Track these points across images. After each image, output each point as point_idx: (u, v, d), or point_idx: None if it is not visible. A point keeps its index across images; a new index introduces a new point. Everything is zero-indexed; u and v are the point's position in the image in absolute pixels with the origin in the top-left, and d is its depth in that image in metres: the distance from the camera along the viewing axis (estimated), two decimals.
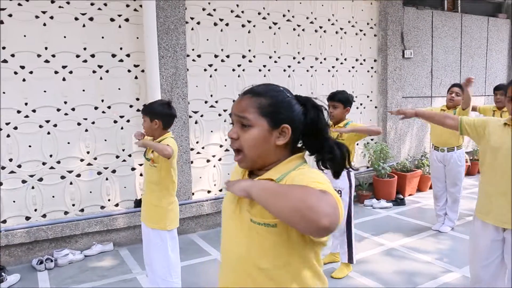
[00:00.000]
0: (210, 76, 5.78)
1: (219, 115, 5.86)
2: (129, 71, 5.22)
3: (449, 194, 5.71)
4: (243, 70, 6.02)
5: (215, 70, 5.80)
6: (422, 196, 7.31)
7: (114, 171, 5.26)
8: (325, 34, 6.67)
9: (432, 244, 5.24)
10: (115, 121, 5.21)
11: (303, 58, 6.51)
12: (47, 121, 4.85)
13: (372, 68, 7.27)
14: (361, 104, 7.21)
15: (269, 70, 6.23)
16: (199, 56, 5.68)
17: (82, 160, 5.07)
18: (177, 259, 3.63)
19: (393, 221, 6.05)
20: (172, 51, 5.34)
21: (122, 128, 5.24)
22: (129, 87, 5.24)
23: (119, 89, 5.18)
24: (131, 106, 5.27)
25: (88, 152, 5.09)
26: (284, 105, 1.51)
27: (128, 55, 5.21)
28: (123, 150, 5.28)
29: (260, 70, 6.16)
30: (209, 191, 5.91)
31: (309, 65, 6.58)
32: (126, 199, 5.37)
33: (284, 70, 6.38)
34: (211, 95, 5.79)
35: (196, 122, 5.72)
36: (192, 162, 5.67)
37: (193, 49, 5.60)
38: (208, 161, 5.87)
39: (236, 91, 5.99)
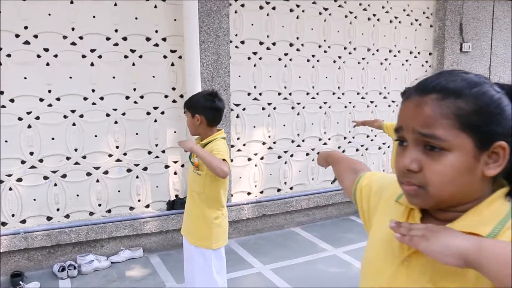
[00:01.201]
0: (254, 66, 4.96)
1: (263, 108, 5.04)
2: (165, 57, 4.44)
3: None
4: (290, 59, 5.18)
5: (260, 58, 4.97)
6: None
7: (145, 169, 4.50)
8: (379, 23, 5.77)
9: None
10: (148, 113, 4.44)
11: (354, 49, 5.63)
12: (73, 111, 4.11)
13: (426, 62, 6.34)
14: None
15: (318, 60, 5.37)
16: (242, 42, 4.86)
17: (110, 155, 4.32)
18: (224, 282, 2.84)
19: None
20: (214, 35, 4.54)
21: (155, 120, 4.47)
22: (164, 75, 4.46)
23: (153, 77, 4.40)
24: (166, 97, 4.50)
25: (117, 147, 4.34)
26: (495, 109, 0.86)
27: (164, 39, 4.42)
28: (156, 145, 4.51)
29: (308, 61, 5.31)
30: (249, 193, 5.10)
31: (360, 56, 5.70)
32: (158, 200, 4.61)
33: (334, 61, 5.51)
34: (255, 87, 4.98)
35: (237, 116, 4.91)
36: (231, 160, 4.87)
37: (236, 35, 4.79)
38: (249, 159, 5.06)
39: (282, 83, 5.17)
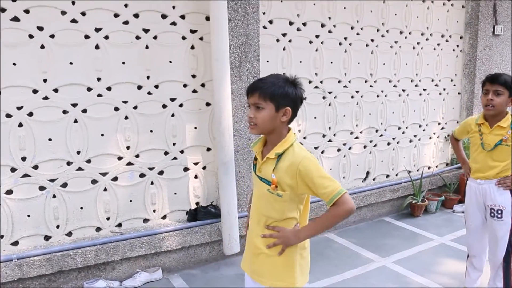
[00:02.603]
0: (284, 49, 4.10)
1: None
2: (183, 38, 3.54)
3: None
4: (322, 42, 4.33)
5: (289, 41, 4.12)
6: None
7: (161, 173, 3.61)
8: (411, 3, 4.96)
9: None
10: (164, 106, 3.55)
11: (387, 31, 4.81)
12: (74, 105, 3.19)
13: (458, 46, 5.57)
14: (444, 90, 5.53)
15: (350, 44, 4.54)
16: (270, 22, 3.99)
17: (120, 158, 3.42)
18: None
19: None
20: (242, 13, 3.65)
21: (173, 115, 3.58)
22: (183, 60, 3.56)
23: (170, 62, 3.51)
24: (185, 86, 3.60)
25: (128, 148, 3.44)
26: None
27: (182, 17, 3.52)
28: (174, 144, 3.63)
29: (340, 44, 4.48)
30: None
31: (393, 40, 4.89)
32: (177, 209, 3.73)
33: (367, 45, 4.69)
34: (284, 73, 4.11)
35: None
36: None
37: (264, 13, 3.91)
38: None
39: (313, 69, 4.32)
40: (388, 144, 5.11)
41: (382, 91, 4.91)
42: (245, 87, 3.72)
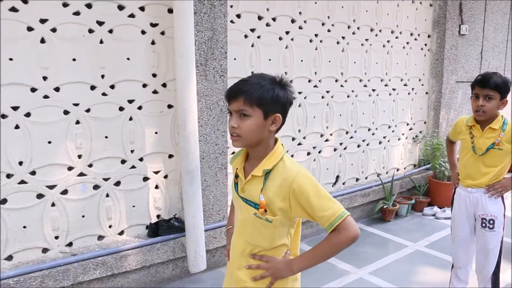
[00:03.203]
0: (252, 46, 3.81)
1: None
2: (143, 32, 3.18)
3: None
4: (292, 39, 4.08)
5: (258, 37, 3.84)
6: None
7: (118, 183, 3.24)
8: (382, 1, 4.82)
9: None
10: (121, 108, 3.18)
11: (358, 28, 4.63)
12: (14, 108, 2.76)
13: (426, 45, 5.50)
14: (412, 89, 5.44)
15: (321, 41, 4.32)
16: (238, 16, 3.69)
17: (70, 168, 3.02)
18: None
19: None
20: (208, 5, 3.33)
21: (131, 118, 3.22)
22: (143, 57, 3.20)
23: (128, 59, 3.13)
24: (145, 86, 3.24)
25: (79, 156, 3.04)
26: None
27: (142, 8, 3.16)
28: (132, 151, 3.26)
29: (311, 41, 4.25)
30: None
31: (364, 37, 4.72)
32: (136, 223, 3.38)
33: (338, 43, 4.49)
34: (252, 72, 3.84)
35: None
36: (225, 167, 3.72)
37: (231, 6, 3.61)
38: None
39: (283, 68, 4.06)
40: (358, 146, 4.95)
41: (352, 91, 4.74)
42: (211, 87, 3.42)
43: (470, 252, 2.87)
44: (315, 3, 4.18)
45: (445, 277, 3.52)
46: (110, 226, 3.25)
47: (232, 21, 3.61)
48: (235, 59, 3.70)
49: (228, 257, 1.84)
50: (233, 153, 3.80)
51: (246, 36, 3.75)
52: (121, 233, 3.31)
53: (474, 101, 2.65)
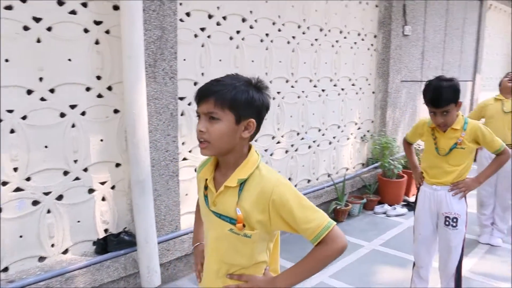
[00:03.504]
0: (202, 46, 3.64)
1: None
2: (86, 30, 2.91)
3: (499, 201, 4.29)
4: (243, 39, 3.95)
5: (209, 36, 3.67)
6: None
7: (60, 198, 2.95)
8: (331, 0, 4.81)
9: (506, 267, 3.76)
10: (63, 114, 2.89)
11: (308, 28, 4.59)
12: None
13: (372, 45, 5.57)
14: (360, 89, 5.50)
15: (271, 41, 4.23)
16: (188, 14, 3.50)
17: (5, 183, 2.69)
18: None
19: None
20: (157, 2, 3.11)
21: (73, 125, 2.94)
22: (86, 58, 2.92)
23: (69, 60, 2.86)
24: (88, 89, 2.97)
25: (15, 169, 2.73)
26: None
27: (84, 4, 2.89)
28: (75, 161, 2.98)
29: (262, 41, 4.14)
30: None
31: (313, 37, 4.68)
32: (82, 240, 3.10)
33: (288, 42, 4.41)
34: (202, 74, 3.66)
35: (182, 114, 3.57)
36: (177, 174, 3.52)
37: (181, 4, 3.41)
38: (196, 170, 3.76)
39: (235, 69, 3.92)
40: (309, 147, 4.92)
41: (303, 92, 4.69)
42: (160, 90, 3.22)
43: (431, 251, 2.89)
44: (266, 2, 4.08)
45: (404, 276, 3.56)
46: (52, 245, 2.95)
47: (181, 20, 3.42)
48: (184, 59, 3.50)
49: (199, 278, 1.68)
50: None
51: (196, 36, 3.57)
52: (66, 252, 3.03)
53: (433, 117, 2.66)
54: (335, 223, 1.41)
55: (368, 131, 5.75)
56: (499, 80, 4.36)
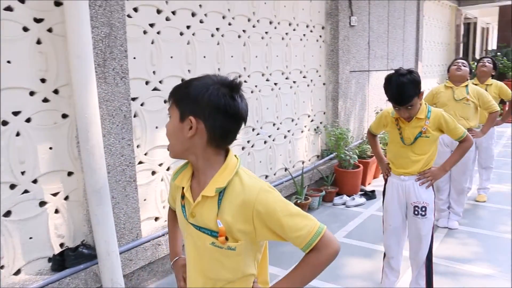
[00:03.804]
0: (152, 43, 3.48)
1: (165, 101, 3.61)
2: (25, 29, 2.66)
3: (454, 185, 4.44)
4: (193, 34, 3.82)
5: (158, 33, 3.51)
6: (381, 182, 5.95)
7: (8, 214, 2.70)
8: None
9: (466, 249, 3.91)
10: (5, 123, 2.64)
11: (258, 21, 4.53)
12: None
13: (320, 36, 5.61)
14: (311, 81, 5.52)
15: (222, 35, 4.13)
16: (136, 10, 3.33)
17: None
18: None
19: None
20: None
21: (18, 134, 2.70)
22: (27, 59, 2.68)
23: (8, 62, 2.61)
24: (32, 94, 2.74)
25: None
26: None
27: (21, 0, 2.66)
28: (23, 173, 2.75)
29: (212, 36, 4.03)
30: (156, 218, 3.66)
31: (264, 30, 4.63)
32: (36, 257, 2.86)
33: (239, 36, 4.33)
34: (154, 72, 3.51)
35: (135, 115, 3.40)
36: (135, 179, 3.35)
37: None
38: (153, 173, 3.60)
39: (186, 65, 3.79)
40: (265, 142, 4.87)
41: (256, 86, 4.64)
42: (112, 91, 3.05)
43: (401, 241, 2.93)
44: None
45: (372, 266, 3.60)
46: (2, 267, 2.71)
47: (129, 16, 3.24)
48: (135, 58, 3.33)
49: None
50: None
51: (145, 32, 3.40)
52: (18, 272, 2.78)
53: (398, 111, 2.68)
54: (325, 226, 1.35)
55: (321, 122, 5.79)
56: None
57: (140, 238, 3.35)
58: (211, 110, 1.28)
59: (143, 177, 3.50)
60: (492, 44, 18.22)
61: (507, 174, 6.21)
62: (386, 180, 2.94)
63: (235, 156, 1.42)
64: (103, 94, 3.00)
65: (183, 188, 1.41)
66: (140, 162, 3.48)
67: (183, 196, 1.42)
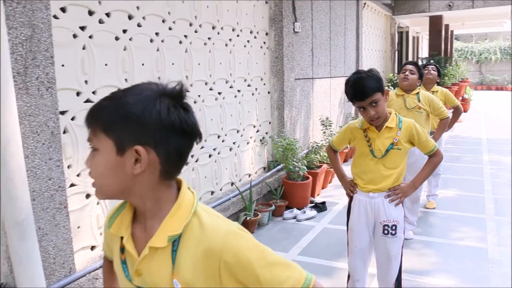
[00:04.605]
0: (84, 48, 3.09)
1: None
2: None
3: None
4: (130, 39, 3.47)
5: (90, 37, 3.13)
6: (330, 193, 5.86)
7: None
8: None
9: (424, 260, 3.84)
10: None
11: (200, 26, 4.25)
12: None
13: (264, 43, 5.41)
14: (256, 89, 5.30)
15: (162, 41, 3.80)
16: (63, 10, 2.93)
17: None
18: None
19: (339, 236, 4.36)
20: None
21: None
22: None
23: None
24: None
25: None
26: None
27: None
28: None
29: (151, 41, 3.69)
30: (93, 247, 3.25)
31: (206, 36, 4.35)
32: None
33: (180, 42, 4.02)
34: (86, 81, 3.12)
35: (65, 131, 2.99)
36: (65, 206, 2.93)
37: None
38: (88, 196, 3.19)
39: (123, 74, 3.43)
40: (210, 156, 4.58)
41: (199, 96, 4.34)
42: (36, 104, 2.65)
43: (368, 262, 2.75)
44: None
45: (332, 284, 3.42)
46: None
47: (56, 16, 2.84)
48: (63, 65, 2.93)
49: None
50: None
51: (75, 36, 3.01)
52: None
53: (363, 112, 2.50)
54: (313, 276, 1.11)
55: (266, 133, 5.59)
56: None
57: (74, 273, 2.92)
58: (164, 132, 0.98)
59: (75, 201, 3.08)
60: (423, 52, 19.12)
61: (451, 179, 6.34)
62: (351, 198, 2.73)
63: (189, 189, 1.11)
64: (24, 108, 2.58)
65: (122, 238, 1.09)
66: (72, 185, 3.06)
67: (123, 249, 1.09)
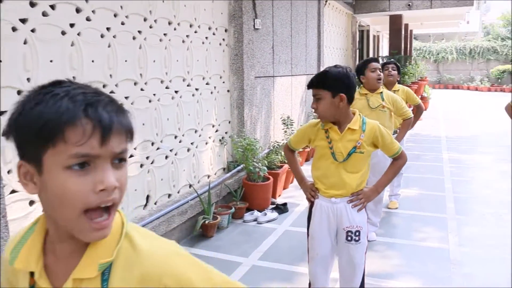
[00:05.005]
0: (25, 43, 2.87)
1: None
2: None
3: None
4: (78, 34, 3.27)
5: (33, 31, 2.92)
6: (291, 194, 5.80)
7: None
8: None
9: (387, 262, 3.82)
10: None
11: (155, 21, 4.08)
12: None
13: (224, 40, 5.28)
14: (215, 88, 5.17)
15: (114, 36, 3.61)
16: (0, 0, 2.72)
17: None
18: None
19: (300, 239, 4.29)
20: None
21: None
22: None
23: None
24: None
25: None
26: None
27: None
28: None
29: (102, 36, 3.50)
30: None
31: (162, 32, 4.18)
32: None
33: (134, 38, 3.84)
34: (28, 79, 2.91)
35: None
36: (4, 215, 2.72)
37: None
38: (31, 203, 2.98)
39: (71, 71, 3.23)
40: (166, 157, 4.42)
41: (154, 95, 4.17)
42: None
43: (329, 269, 2.67)
44: None
45: None
46: None
47: None
48: (1, 61, 2.72)
49: None
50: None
51: (15, 29, 2.79)
52: None
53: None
54: None
55: (226, 132, 5.47)
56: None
57: None
58: (39, 137, 0.82)
59: (17, 209, 2.87)
60: (383, 51, 19.45)
61: (412, 178, 6.41)
62: (312, 203, 2.64)
63: (117, 211, 0.97)
64: None
65: (31, 274, 0.91)
66: (13, 191, 2.85)
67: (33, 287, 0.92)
